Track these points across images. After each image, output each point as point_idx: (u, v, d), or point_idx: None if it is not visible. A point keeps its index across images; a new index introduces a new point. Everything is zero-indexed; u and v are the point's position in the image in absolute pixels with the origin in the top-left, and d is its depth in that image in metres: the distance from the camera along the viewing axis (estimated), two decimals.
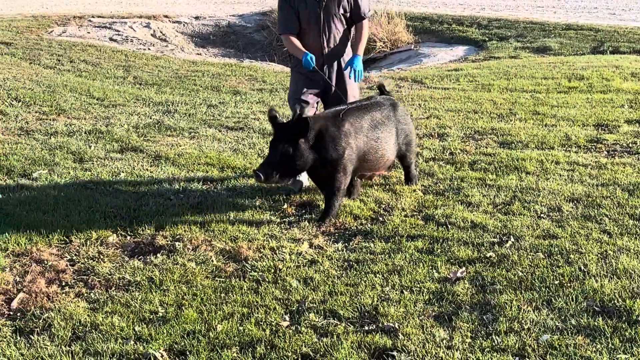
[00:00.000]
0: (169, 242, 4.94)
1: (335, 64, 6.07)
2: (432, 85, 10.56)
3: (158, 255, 4.76)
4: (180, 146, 7.26)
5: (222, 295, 4.23)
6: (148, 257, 4.73)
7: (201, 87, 10.26)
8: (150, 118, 8.40)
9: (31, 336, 3.76)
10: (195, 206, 5.61)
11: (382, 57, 15.21)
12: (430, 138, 7.53)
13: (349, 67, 5.88)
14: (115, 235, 5.06)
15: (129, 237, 5.04)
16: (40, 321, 3.92)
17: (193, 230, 5.10)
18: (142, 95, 9.53)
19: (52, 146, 7.09)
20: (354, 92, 6.16)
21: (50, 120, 8.13)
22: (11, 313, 4.04)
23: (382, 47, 15.41)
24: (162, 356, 3.56)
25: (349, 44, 6.11)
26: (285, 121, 5.31)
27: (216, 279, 4.44)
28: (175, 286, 4.32)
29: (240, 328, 3.85)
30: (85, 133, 7.63)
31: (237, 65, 12.19)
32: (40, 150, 6.93)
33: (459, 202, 5.63)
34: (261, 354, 3.60)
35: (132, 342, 3.72)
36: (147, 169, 6.54)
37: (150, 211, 5.46)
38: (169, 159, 6.83)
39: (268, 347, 3.68)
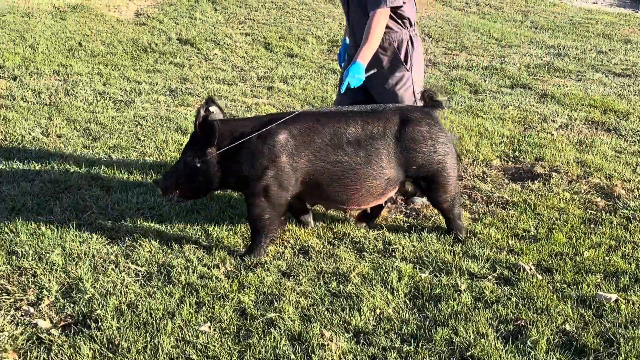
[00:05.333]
0: (547, 172, 4.82)
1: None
2: None
3: (535, 182, 4.68)
4: (566, 87, 6.95)
5: (591, 226, 4.05)
6: (526, 183, 4.68)
7: (593, 34, 9.62)
8: (541, 59, 8.13)
9: (422, 233, 3.98)
10: (578, 143, 5.38)
11: None
12: None
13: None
14: (499, 159, 5.08)
15: (510, 163, 5.03)
16: (429, 222, 4.13)
17: (571, 164, 4.91)
18: (536, 38, 9.25)
19: (452, 77, 7.26)
20: (403, 97, 4.13)
21: (453, 55, 8.31)
22: (407, 211, 4.31)
23: None
24: (530, 269, 3.55)
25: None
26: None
27: (587, 210, 4.25)
28: (548, 211, 4.23)
29: (606, 258, 3.66)
30: (482, 68, 7.67)
31: (631, 16, 11.17)
32: (442, 80, 7.15)
33: None
34: (624, 285, 3.40)
35: (504, 253, 3.75)
36: (532, 105, 6.40)
37: (532, 142, 5.36)
38: (554, 98, 6.59)
39: (632, 279, 3.45)
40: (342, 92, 3.94)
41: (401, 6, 4.01)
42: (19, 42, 7.65)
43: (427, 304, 3.27)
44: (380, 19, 3.90)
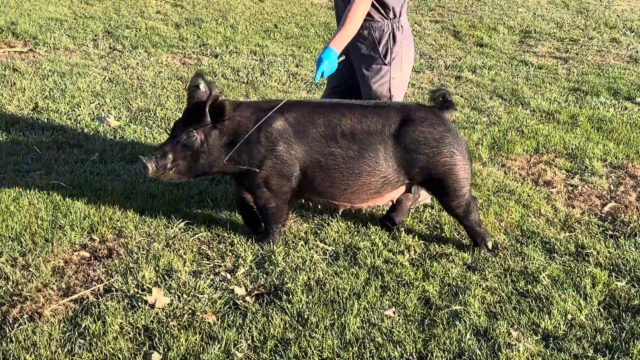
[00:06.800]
0: None
1: (350, 55, 3.93)
2: None
3: None
4: None
5: None
6: None
7: None
8: None
9: (619, 239, 3.75)
10: None
11: None
12: None
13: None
14: None
15: None
16: (628, 228, 3.88)
17: None
18: None
19: None
20: (378, 92, 3.87)
21: None
22: (602, 215, 4.08)
23: None
24: None
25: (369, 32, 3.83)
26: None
27: None
28: None
29: None
30: None
31: None
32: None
33: None
34: None
35: None
36: None
37: None
38: None
39: None
40: (316, 81, 3.74)
41: None
42: (221, 22, 8.07)
43: (623, 314, 3.08)
44: (360, 6, 3.66)
